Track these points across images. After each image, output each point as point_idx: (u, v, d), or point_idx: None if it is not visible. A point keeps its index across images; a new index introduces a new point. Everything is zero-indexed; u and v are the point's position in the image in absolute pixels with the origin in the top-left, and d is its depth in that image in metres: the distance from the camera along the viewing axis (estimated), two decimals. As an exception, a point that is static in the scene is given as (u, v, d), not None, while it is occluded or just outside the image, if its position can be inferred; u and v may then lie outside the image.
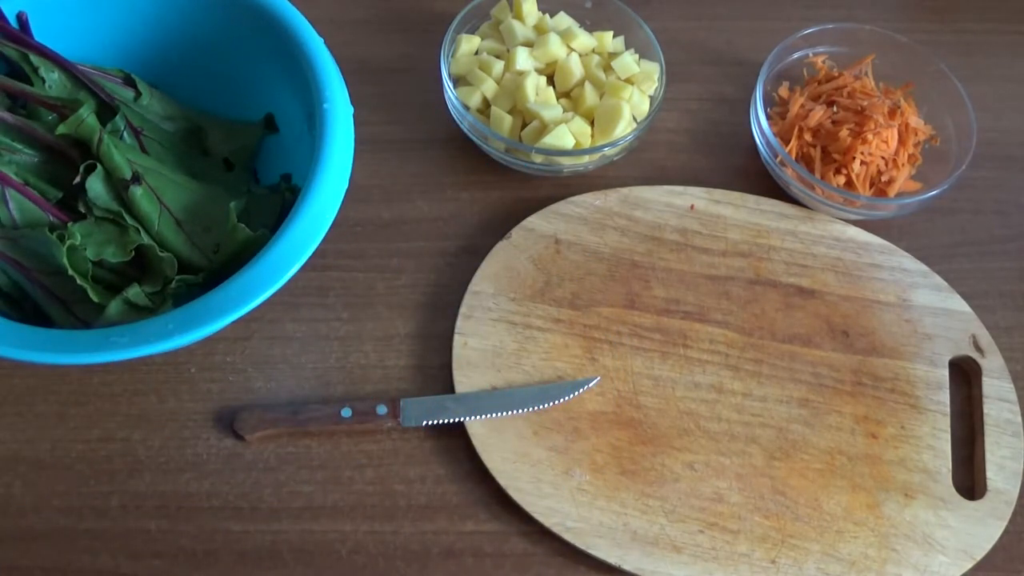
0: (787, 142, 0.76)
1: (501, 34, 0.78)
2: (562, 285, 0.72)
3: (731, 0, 0.89)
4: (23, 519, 0.63)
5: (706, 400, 0.68)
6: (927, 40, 0.81)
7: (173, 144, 0.68)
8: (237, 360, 0.69)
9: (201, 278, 0.63)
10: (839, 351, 0.71)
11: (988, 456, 0.67)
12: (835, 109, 0.76)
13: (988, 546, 0.64)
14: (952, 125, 0.78)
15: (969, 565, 0.64)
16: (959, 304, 0.73)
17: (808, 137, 0.76)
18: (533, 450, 0.65)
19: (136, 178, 0.62)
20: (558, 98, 0.76)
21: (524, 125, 0.75)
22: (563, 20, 0.80)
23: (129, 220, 0.62)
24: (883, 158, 0.75)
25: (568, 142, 0.72)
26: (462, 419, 0.65)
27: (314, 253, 0.59)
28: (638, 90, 0.75)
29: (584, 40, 0.78)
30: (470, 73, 0.76)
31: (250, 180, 0.71)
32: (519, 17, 0.78)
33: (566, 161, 0.74)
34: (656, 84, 0.76)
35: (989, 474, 0.66)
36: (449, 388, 0.67)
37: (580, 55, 0.77)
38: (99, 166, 0.61)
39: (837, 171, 0.75)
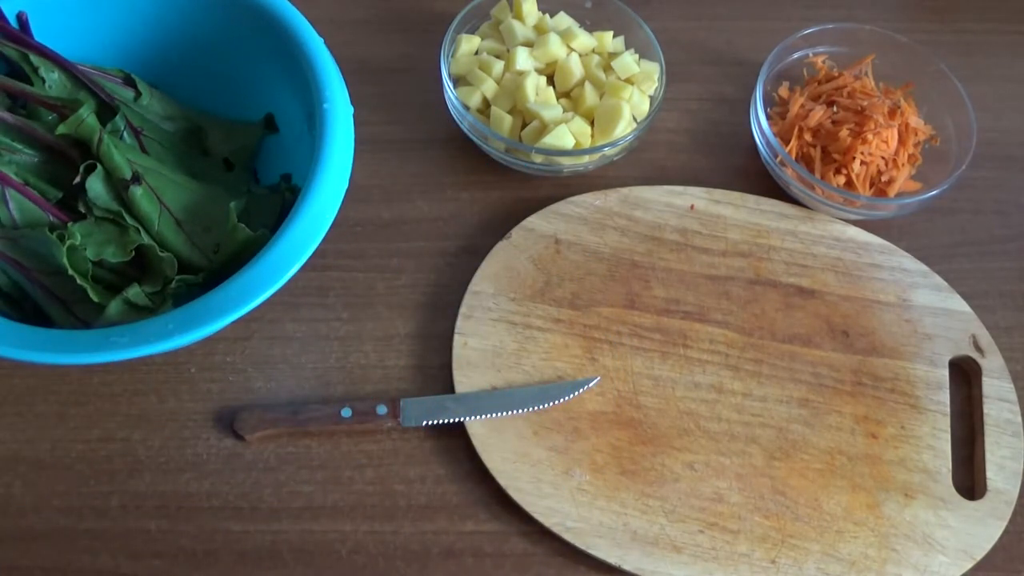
0: (787, 142, 0.76)
1: (501, 34, 0.78)
2: (562, 285, 0.72)
3: (731, 0, 0.89)
4: (23, 519, 0.63)
5: (706, 400, 0.68)
6: (927, 40, 0.81)
7: (173, 144, 0.68)
8: (237, 360, 0.69)
9: (201, 278, 0.63)
10: (839, 351, 0.71)
11: (988, 456, 0.67)
12: (835, 109, 0.76)
13: (988, 546, 0.64)
14: (952, 125, 0.78)
15: (969, 565, 0.64)
16: (959, 304, 0.73)
17: (808, 137, 0.76)
18: (533, 450, 0.65)
19: (136, 178, 0.62)
20: (558, 98, 0.76)
21: (524, 125, 0.75)
22: (563, 20, 0.80)
23: (129, 220, 0.62)
24: (883, 158, 0.75)
25: (568, 142, 0.72)
26: (462, 419, 0.65)
27: (314, 253, 0.59)
28: (638, 90, 0.75)
29: (584, 40, 0.78)
30: (470, 73, 0.76)
31: (250, 180, 0.71)
32: (519, 17, 0.78)
33: (566, 161, 0.74)
34: (656, 84, 0.76)
35: (989, 474, 0.67)
36: (449, 388, 0.67)
37: (580, 55, 0.77)
38: (99, 166, 0.61)
39: (837, 171, 0.75)
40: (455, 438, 0.66)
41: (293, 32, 0.65)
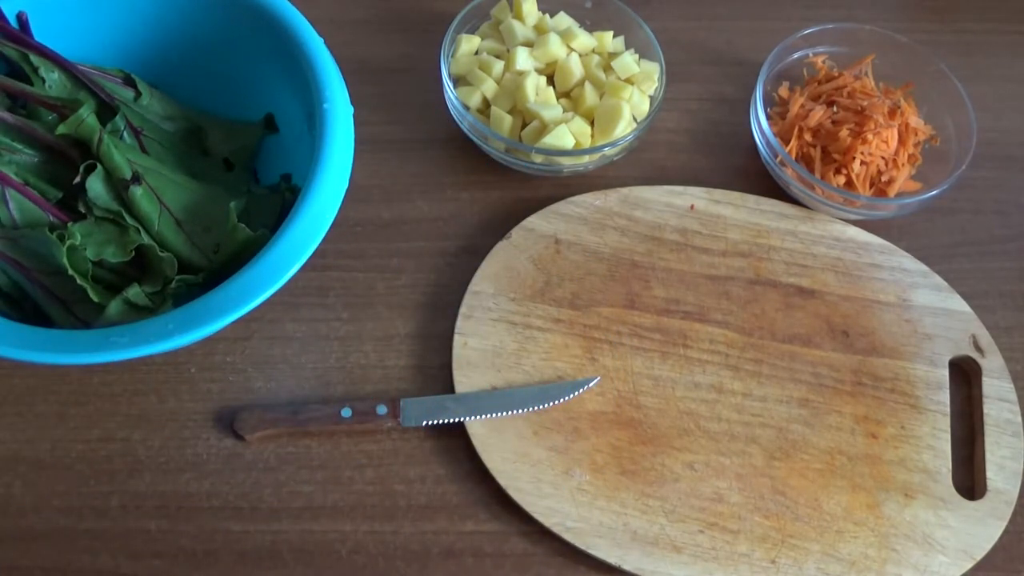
0: (787, 142, 0.76)
1: (501, 34, 0.78)
2: (562, 285, 0.72)
3: (731, 0, 0.89)
4: (23, 519, 0.63)
5: (706, 400, 0.68)
6: (927, 40, 0.81)
7: (173, 144, 0.68)
8: (237, 360, 0.69)
9: (201, 278, 0.63)
10: (839, 351, 0.71)
11: (988, 456, 0.67)
12: (835, 109, 0.76)
13: (988, 546, 0.64)
14: (952, 125, 0.78)
15: (969, 565, 0.64)
16: (959, 304, 0.73)
17: (808, 137, 0.76)
18: (533, 450, 0.65)
19: (136, 178, 0.62)
20: (558, 98, 0.76)
21: (524, 125, 0.75)
22: (563, 20, 0.80)
23: (129, 220, 0.62)
24: (883, 158, 0.75)
25: (568, 142, 0.72)
26: (462, 419, 0.65)
27: (314, 253, 0.59)
28: (638, 90, 0.75)
29: (584, 40, 0.78)
30: (470, 73, 0.76)
31: (250, 180, 0.71)
32: (519, 17, 0.78)
33: (566, 161, 0.74)
34: (656, 84, 0.76)
35: (989, 474, 0.67)
36: (449, 388, 0.67)
37: (580, 55, 0.77)
38: (99, 166, 0.61)
39: (837, 171, 0.75)
40: (455, 438, 0.66)
41: (293, 32, 0.65)
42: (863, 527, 0.64)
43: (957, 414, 0.70)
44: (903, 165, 0.76)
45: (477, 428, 0.65)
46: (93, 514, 0.64)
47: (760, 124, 0.75)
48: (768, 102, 0.79)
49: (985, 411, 0.69)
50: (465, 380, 0.67)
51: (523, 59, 0.76)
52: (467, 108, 0.75)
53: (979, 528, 0.65)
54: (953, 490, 0.66)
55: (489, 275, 0.71)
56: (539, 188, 0.77)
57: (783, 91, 0.80)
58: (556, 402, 0.66)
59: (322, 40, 0.65)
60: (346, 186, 0.61)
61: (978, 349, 0.71)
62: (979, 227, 0.78)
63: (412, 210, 0.76)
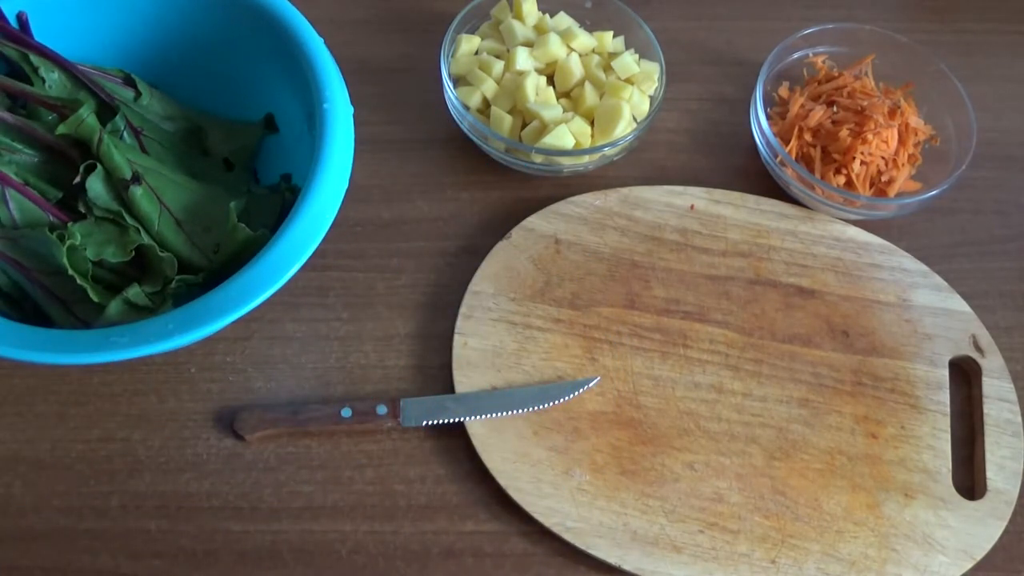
0: (787, 142, 0.76)
1: (501, 34, 0.78)
2: (562, 285, 0.72)
3: (731, 0, 0.89)
4: (23, 519, 0.63)
5: (706, 400, 0.68)
6: (927, 40, 0.81)
7: (173, 144, 0.68)
8: (237, 360, 0.69)
9: (201, 278, 0.63)
10: (839, 351, 0.71)
11: (988, 456, 0.67)
12: (835, 109, 0.76)
13: (988, 546, 0.64)
14: (952, 125, 0.78)
15: (969, 565, 0.64)
16: (959, 304, 0.73)
17: (808, 137, 0.76)
18: (533, 450, 0.65)
19: (136, 178, 0.62)
20: (558, 98, 0.76)
21: (524, 125, 0.75)
22: (563, 20, 0.80)
23: (129, 220, 0.62)
24: (883, 158, 0.75)
25: (568, 142, 0.72)
26: (462, 419, 0.65)
27: (314, 253, 0.59)
28: (638, 90, 0.75)
29: (584, 40, 0.78)
30: (470, 73, 0.76)
31: (250, 180, 0.71)
32: (519, 17, 0.78)
33: (566, 161, 0.74)
34: (656, 84, 0.76)
35: (989, 474, 0.67)
36: (449, 388, 0.67)
37: (580, 55, 0.77)
38: (99, 166, 0.61)
39: (837, 171, 0.75)
40: (455, 438, 0.66)
41: (293, 32, 0.65)
42: (863, 527, 0.64)
43: (957, 414, 0.70)
44: (903, 165, 0.76)
45: (477, 428, 0.65)
46: (93, 514, 0.64)
47: (760, 124, 0.75)
48: (768, 102, 0.79)
49: (985, 411, 0.69)
50: (465, 380, 0.67)
51: (523, 59, 0.76)
52: (467, 108, 0.75)
53: (979, 528, 0.65)
54: (953, 490, 0.66)
55: (489, 275, 0.71)
56: (539, 188, 0.77)
57: (783, 91, 0.80)
58: (556, 402, 0.66)
59: (322, 40, 0.65)
60: (346, 186, 0.61)
61: (978, 349, 0.71)
62: (979, 227, 0.78)
63: (412, 210, 0.76)
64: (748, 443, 0.67)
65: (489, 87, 0.75)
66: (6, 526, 0.63)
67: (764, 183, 0.78)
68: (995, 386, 0.70)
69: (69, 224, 0.61)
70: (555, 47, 0.76)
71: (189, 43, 0.70)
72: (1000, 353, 0.71)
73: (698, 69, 0.85)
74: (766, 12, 0.89)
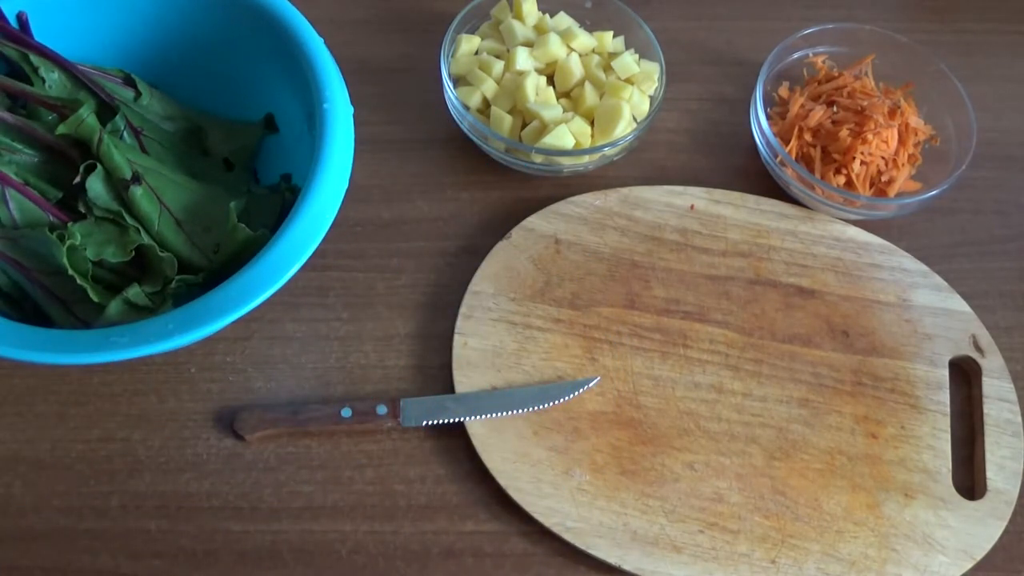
0: (787, 142, 0.76)
1: (501, 34, 0.78)
2: (562, 285, 0.72)
3: (731, 0, 0.89)
4: (23, 519, 0.63)
5: (706, 400, 0.68)
6: (927, 40, 0.81)
7: (173, 144, 0.68)
8: (237, 360, 0.69)
9: (201, 278, 0.63)
10: (839, 351, 0.71)
11: (988, 456, 0.67)
12: (835, 109, 0.76)
13: (988, 546, 0.64)
14: (952, 125, 0.78)
15: (969, 565, 0.64)
16: (959, 304, 0.73)
17: (808, 137, 0.76)
18: (533, 450, 0.65)
19: (136, 178, 0.62)
20: (558, 98, 0.76)
21: (524, 125, 0.75)
22: (563, 20, 0.80)
23: (129, 220, 0.62)
24: (883, 158, 0.75)
25: (568, 142, 0.72)
26: (462, 419, 0.65)
27: (314, 253, 0.59)
28: (638, 90, 0.75)
29: (584, 40, 0.78)
30: (470, 73, 0.76)
31: (250, 180, 0.71)
32: (519, 17, 0.78)
33: (566, 161, 0.74)
34: (656, 84, 0.76)
35: (989, 474, 0.67)
36: (449, 388, 0.67)
37: (580, 55, 0.77)
38: (99, 166, 0.61)
39: (837, 171, 0.75)
40: (455, 438, 0.66)
41: (293, 32, 0.65)
42: (863, 527, 0.64)
43: (957, 414, 0.70)
44: (903, 165, 0.76)
45: (477, 428, 0.65)
46: (93, 514, 0.64)
47: (760, 124, 0.75)
48: (768, 102, 0.79)
49: (985, 411, 0.69)
50: (465, 380, 0.67)
51: (523, 59, 0.76)
52: (467, 108, 0.75)
53: (979, 528, 0.65)
54: (953, 490, 0.66)
55: (489, 275, 0.71)
56: (539, 188, 0.77)
57: (783, 91, 0.80)
58: (556, 402, 0.66)
59: (322, 40, 0.65)
60: (346, 186, 0.61)
61: (978, 349, 0.71)
62: (979, 227, 0.78)
63: (412, 210, 0.76)
64: (748, 443, 0.67)
65: (489, 87, 0.75)
66: (6, 526, 0.63)
67: (764, 183, 0.78)
68: (995, 386, 0.70)
69: (69, 224, 0.61)
70: (555, 47, 0.76)
71: (189, 43, 0.70)
72: (1000, 353, 0.71)
73: (698, 69, 0.85)
74: (766, 12, 0.89)
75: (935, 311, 0.72)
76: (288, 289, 0.59)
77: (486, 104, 0.76)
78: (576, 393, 0.67)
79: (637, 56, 0.78)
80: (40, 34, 0.67)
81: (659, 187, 0.76)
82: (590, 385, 0.68)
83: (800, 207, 0.76)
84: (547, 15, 0.80)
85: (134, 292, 0.60)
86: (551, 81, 0.77)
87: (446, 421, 0.66)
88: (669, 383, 0.69)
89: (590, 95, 0.75)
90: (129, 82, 0.68)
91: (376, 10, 0.86)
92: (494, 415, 0.65)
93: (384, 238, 0.74)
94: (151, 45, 0.71)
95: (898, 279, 0.74)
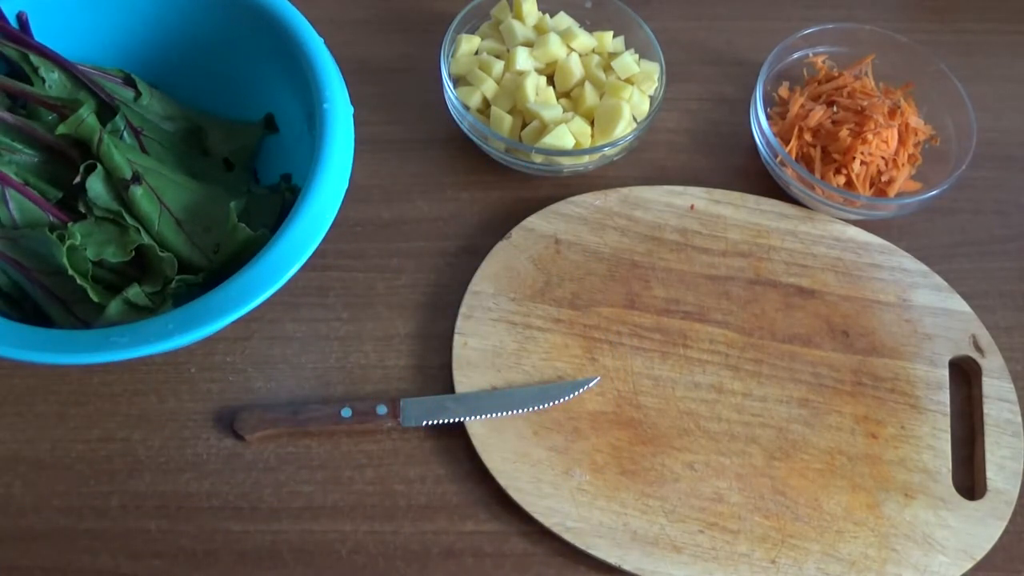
0: (787, 142, 0.76)
1: (501, 34, 0.78)
2: (562, 285, 0.72)
3: (731, 0, 0.89)
4: (23, 519, 0.63)
5: (706, 400, 0.68)
6: (927, 40, 0.81)
7: (173, 144, 0.68)
8: (237, 360, 0.69)
9: (201, 278, 0.63)
10: (839, 351, 0.71)
11: (988, 456, 0.67)
12: (835, 109, 0.76)
13: (988, 546, 0.64)
14: (952, 125, 0.78)
15: (969, 565, 0.64)
16: (959, 304, 0.73)
17: (808, 137, 0.76)
18: (533, 450, 0.65)
19: (136, 178, 0.62)
20: (558, 98, 0.76)
21: (524, 125, 0.75)
22: (563, 20, 0.80)
23: (129, 220, 0.62)
24: (883, 158, 0.75)
25: (568, 142, 0.72)
26: (462, 419, 0.65)
27: (314, 253, 0.59)
28: (638, 90, 0.75)
29: (584, 40, 0.78)
30: (470, 73, 0.76)
31: (250, 180, 0.71)
32: (519, 17, 0.78)
33: (566, 161, 0.74)
34: (656, 84, 0.76)
35: (989, 474, 0.67)
36: (449, 388, 0.67)
37: (580, 55, 0.77)
38: (99, 166, 0.61)
39: (837, 171, 0.75)
40: (455, 438, 0.66)
41: (293, 32, 0.65)
42: (863, 527, 0.64)
43: (957, 414, 0.70)
44: (903, 165, 0.76)
45: (477, 428, 0.65)
46: (93, 514, 0.64)
47: (760, 124, 0.75)
48: (768, 102, 0.79)
49: (985, 411, 0.69)
50: (465, 380, 0.67)
51: (523, 59, 0.76)
52: (467, 108, 0.75)
53: (979, 528, 0.65)
54: (953, 490, 0.66)
55: (489, 275, 0.71)
56: (539, 188, 0.77)
57: (783, 91, 0.80)
58: (556, 402, 0.66)
59: (322, 40, 0.65)
60: (346, 186, 0.61)
61: (978, 349, 0.71)
62: (979, 227, 0.78)
63: (412, 210, 0.76)
64: (748, 443, 0.67)
65: (489, 87, 0.75)
66: (6, 526, 0.63)
67: (764, 183, 0.78)
68: (995, 386, 0.70)
69: (69, 224, 0.61)
70: (555, 47, 0.76)
71: (189, 43, 0.70)
72: (1000, 353, 0.71)
73: (698, 69, 0.85)
74: (766, 12, 0.89)
75: (935, 311, 0.72)
76: (288, 289, 0.59)
77: (486, 104, 0.76)
78: (576, 393, 0.67)
79: (637, 56, 0.78)
80: (40, 34, 0.67)
81: (659, 187, 0.76)
82: (590, 385, 0.68)
83: (800, 207, 0.76)
84: (547, 15, 0.80)
85: (134, 292, 0.60)
86: (551, 81, 0.77)
87: (446, 421, 0.66)
88: (669, 383, 0.69)
89: (590, 95, 0.75)
90: (129, 82, 0.68)
91: (376, 10, 0.86)
92: (494, 415, 0.65)
93: (384, 238, 0.74)
94: (151, 45, 0.71)
95: (898, 279, 0.74)
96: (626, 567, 0.62)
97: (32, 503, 0.64)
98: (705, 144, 0.81)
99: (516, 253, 0.72)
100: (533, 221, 0.74)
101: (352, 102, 0.64)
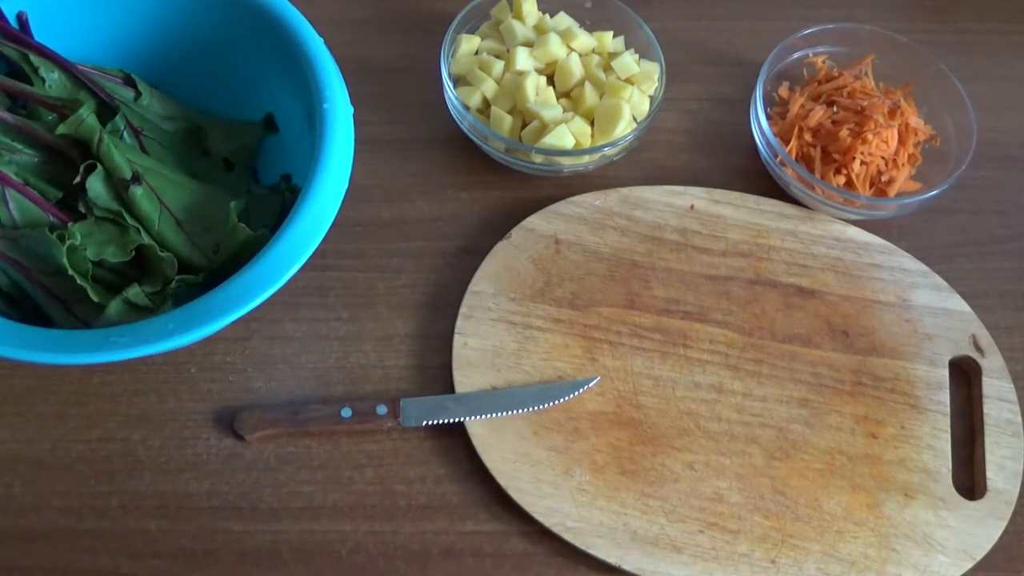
0: (787, 142, 0.76)
1: (501, 34, 0.78)
2: (562, 285, 0.72)
3: (731, 0, 0.89)
4: (23, 519, 0.63)
5: (706, 400, 0.68)
6: (927, 40, 0.81)
7: (173, 144, 0.68)
8: (237, 360, 0.69)
9: (201, 278, 0.63)
10: (839, 351, 0.71)
11: (988, 456, 0.67)
12: (835, 109, 0.76)
13: (988, 546, 0.64)
14: (952, 125, 0.78)
15: (969, 565, 0.64)
16: (959, 304, 0.73)
17: (808, 137, 0.76)
18: (533, 450, 0.65)
19: (136, 178, 0.62)
20: (558, 98, 0.76)
21: (524, 125, 0.75)
22: (563, 20, 0.80)
23: (129, 220, 0.62)
24: (883, 158, 0.75)
25: (568, 142, 0.72)
26: (462, 419, 0.65)
27: (314, 253, 0.59)
28: (638, 90, 0.75)
29: (584, 40, 0.78)
30: (470, 73, 0.76)
31: (250, 180, 0.71)
32: (519, 17, 0.78)
33: (566, 161, 0.74)
34: (656, 84, 0.76)
35: (989, 474, 0.67)
36: (449, 388, 0.67)
37: (580, 55, 0.77)
38: (99, 166, 0.61)
39: (837, 171, 0.75)
40: (455, 438, 0.66)
41: (293, 32, 0.65)
42: (863, 527, 0.64)
43: (957, 414, 0.70)
44: (903, 165, 0.76)
45: (477, 428, 0.65)
46: (93, 514, 0.64)
47: (760, 124, 0.75)
48: (768, 102, 0.79)
49: (985, 411, 0.69)
50: (465, 380, 0.67)
51: (523, 59, 0.76)
52: (467, 108, 0.75)
53: (979, 528, 0.65)
54: (953, 490, 0.66)
55: (489, 275, 0.71)
56: (539, 188, 0.77)
57: (783, 91, 0.80)
58: (556, 402, 0.66)
59: (322, 40, 0.65)
60: (346, 186, 0.61)
61: (978, 349, 0.71)
62: (979, 227, 0.78)
63: (412, 210, 0.76)
64: (748, 443, 0.67)
65: (489, 87, 0.75)
66: (6, 526, 0.63)
67: (764, 183, 0.78)
68: (995, 386, 0.70)
69: (69, 224, 0.61)
70: (555, 47, 0.76)
71: (189, 43, 0.70)
72: (1000, 353, 0.71)
73: (698, 69, 0.85)
74: (766, 12, 0.89)
75: (935, 311, 0.72)
76: (288, 289, 0.59)
77: (486, 104, 0.76)
78: (576, 393, 0.67)
79: (637, 56, 0.78)
80: (40, 34, 0.67)
81: (659, 187, 0.76)
82: (590, 385, 0.68)
83: (800, 207, 0.76)
84: (547, 15, 0.80)
85: (134, 292, 0.60)
86: (551, 81, 0.77)
87: (446, 421, 0.66)
88: (669, 383, 0.69)
89: (590, 95, 0.75)
90: (129, 82, 0.68)
91: (376, 10, 0.86)
92: (494, 415, 0.65)
93: (384, 238, 0.74)
94: (151, 45, 0.71)
95: (898, 279, 0.74)
96: (626, 567, 0.62)
97: (32, 503, 0.64)
98: (705, 144, 0.81)
99: (516, 253, 0.72)
100: (533, 221, 0.74)
101: (352, 102, 0.64)
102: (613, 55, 0.78)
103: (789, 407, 0.68)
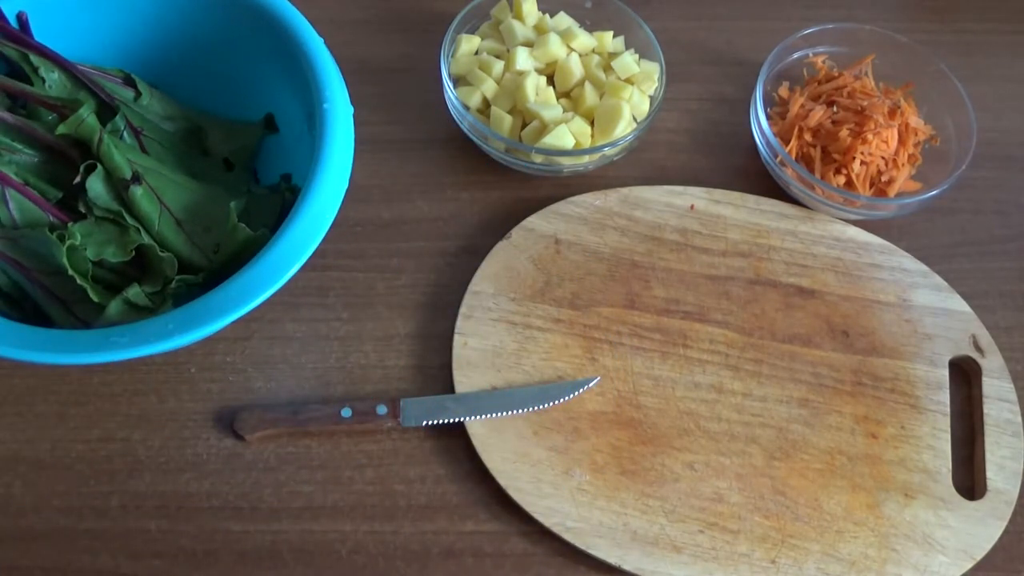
0: (787, 142, 0.76)
1: (501, 34, 0.79)
2: (562, 285, 0.72)
3: (731, 0, 0.89)
4: (23, 519, 0.63)
5: (706, 400, 0.68)
6: (927, 40, 0.81)
7: (173, 144, 0.68)
8: (237, 360, 0.69)
9: (201, 278, 0.63)
10: (839, 351, 0.71)
11: (988, 456, 0.67)
12: (835, 109, 0.76)
13: (988, 546, 0.64)
14: (952, 125, 0.78)
15: (969, 565, 0.64)
16: (959, 304, 0.73)
17: (808, 137, 0.76)
18: (533, 450, 0.65)
19: (136, 178, 0.62)
20: (558, 98, 0.76)
21: (524, 125, 0.75)
22: (563, 20, 0.80)
23: (129, 220, 0.62)
24: (883, 158, 0.75)
25: (568, 142, 0.72)
26: (462, 419, 0.65)
27: (314, 253, 0.59)
28: (638, 90, 0.75)
29: (584, 40, 0.78)
30: (470, 73, 0.76)
31: (250, 180, 0.71)
32: (519, 17, 0.78)
33: (566, 161, 0.74)
34: (656, 84, 0.77)
35: (989, 474, 0.67)
36: (449, 388, 0.67)
37: (580, 55, 0.77)
38: (99, 166, 0.61)
39: (837, 171, 0.75)
40: (455, 438, 0.66)
41: (293, 32, 0.65)
42: (863, 527, 0.64)
43: (957, 414, 0.70)
44: (903, 165, 0.76)
45: (477, 428, 0.65)
46: (93, 514, 0.64)
47: (760, 124, 0.75)
48: (768, 102, 0.79)
49: (985, 411, 0.69)
50: (465, 380, 0.67)
51: (523, 59, 0.76)
52: (467, 108, 0.75)
53: (979, 528, 0.65)
54: (953, 490, 0.66)
55: (489, 275, 0.71)
56: (539, 188, 0.77)
57: (783, 91, 0.80)
58: (556, 402, 0.66)
59: (322, 40, 0.65)
60: (346, 186, 0.61)
61: (978, 349, 0.71)
62: (979, 227, 0.78)
63: (412, 210, 0.76)
64: (748, 443, 0.67)
65: (489, 87, 0.75)
66: (6, 526, 0.63)
67: (764, 183, 0.78)
68: (995, 386, 0.70)
69: (69, 224, 0.61)
70: (555, 47, 0.76)
71: (189, 43, 0.70)
72: (1000, 353, 0.71)
73: (698, 69, 0.85)
74: (766, 12, 0.89)
75: (935, 311, 0.72)
76: (288, 289, 0.59)
77: (486, 104, 0.76)
78: (576, 393, 0.67)
79: (637, 56, 0.78)
80: (40, 34, 0.67)
81: (659, 187, 0.76)
82: (590, 385, 0.68)
83: (800, 207, 0.76)
84: (547, 15, 0.80)
85: (134, 292, 0.60)
86: (551, 81, 0.77)
87: (446, 421, 0.66)
88: (669, 383, 0.69)
89: (590, 95, 0.75)
90: (129, 82, 0.68)
91: (376, 10, 0.86)
92: (494, 415, 0.65)
93: (384, 238, 0.74)
94: (151, 45, 0.71)
95: (898, 279, 0.74)
96: (626, 567, 0.62)
97: (32, 503, 0.64)
98: (705, 144, 0.81)
99: (516, 253, 0.72)
100: (533, 221, 0.74)
101: (352, 102, 0.64)
102: (613, 55, 0.78)
103: (789, 407, 0.68)
